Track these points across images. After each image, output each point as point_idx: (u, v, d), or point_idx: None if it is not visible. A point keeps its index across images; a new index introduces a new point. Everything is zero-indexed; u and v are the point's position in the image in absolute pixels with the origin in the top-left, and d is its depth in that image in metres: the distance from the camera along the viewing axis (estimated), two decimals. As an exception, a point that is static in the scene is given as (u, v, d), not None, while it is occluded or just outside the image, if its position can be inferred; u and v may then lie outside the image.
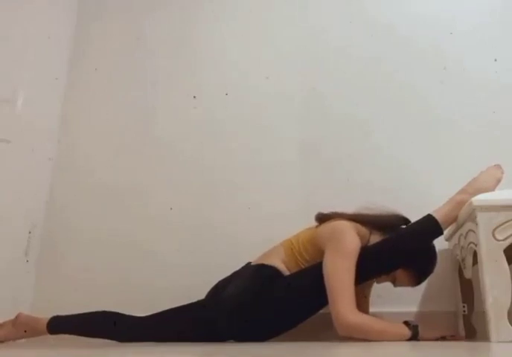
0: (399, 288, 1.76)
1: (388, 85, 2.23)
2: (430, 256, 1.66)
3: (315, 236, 1.66)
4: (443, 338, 1.52)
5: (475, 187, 1.63)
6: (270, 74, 2.32)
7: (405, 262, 1.60)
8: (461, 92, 2.18)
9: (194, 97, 2.33)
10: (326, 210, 1.73)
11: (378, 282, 1.74)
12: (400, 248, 1.58)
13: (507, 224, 1.45)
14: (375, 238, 1.63)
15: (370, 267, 1.57)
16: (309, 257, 1.63)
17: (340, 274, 1.48)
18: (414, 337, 1.47)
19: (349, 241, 1.53)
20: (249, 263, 1.73)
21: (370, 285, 1.80)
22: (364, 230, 1.64)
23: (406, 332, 1.48)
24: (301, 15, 2.39)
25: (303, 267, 1.62)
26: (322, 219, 1.71)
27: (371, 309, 1.84)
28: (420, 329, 1.49)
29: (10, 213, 2.01)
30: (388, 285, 1.73)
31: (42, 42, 2.26)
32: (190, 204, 2.17)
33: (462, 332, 1.75)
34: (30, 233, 2.12)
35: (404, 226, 1.69)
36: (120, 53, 2.46)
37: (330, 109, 2.23)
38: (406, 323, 1.51)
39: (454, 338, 1.54)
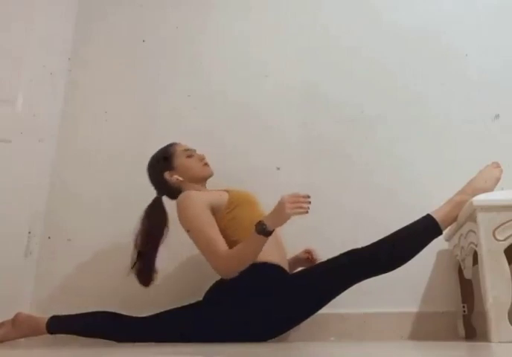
0: (399, 288, 1.75)
1: (390, 85, 2.22)
2: None
3: None
4: None
5: (474, 187, 1.63)
6: (272, 72, 2.31)
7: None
8: (461, 93, 2.18)
9: (194, 97, 2.33)
10: None
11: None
12: (398, 248, 1.58)
13: (507, 224, 1.45)
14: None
15: (369, 266, 1.57)
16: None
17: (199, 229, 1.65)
18: (265, 230, 1.53)
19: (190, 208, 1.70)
20: None
21: None
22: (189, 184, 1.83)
23: (260, 236, 1.54)
24: (304, 14, 2.38)
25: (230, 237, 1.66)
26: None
27: (372, 310, 1.85)
28: (268, 221, 1.54)
29: (10, 212, 2.01)
30: (387, 285, 1.73)
31: (42, 41, 2.25)
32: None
33: (462, 332, 1.75)
34: (29, 233, 2.12)
35: None
36: (120, 52, 2.45)
37: (331, 109, 2.23)
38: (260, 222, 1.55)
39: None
